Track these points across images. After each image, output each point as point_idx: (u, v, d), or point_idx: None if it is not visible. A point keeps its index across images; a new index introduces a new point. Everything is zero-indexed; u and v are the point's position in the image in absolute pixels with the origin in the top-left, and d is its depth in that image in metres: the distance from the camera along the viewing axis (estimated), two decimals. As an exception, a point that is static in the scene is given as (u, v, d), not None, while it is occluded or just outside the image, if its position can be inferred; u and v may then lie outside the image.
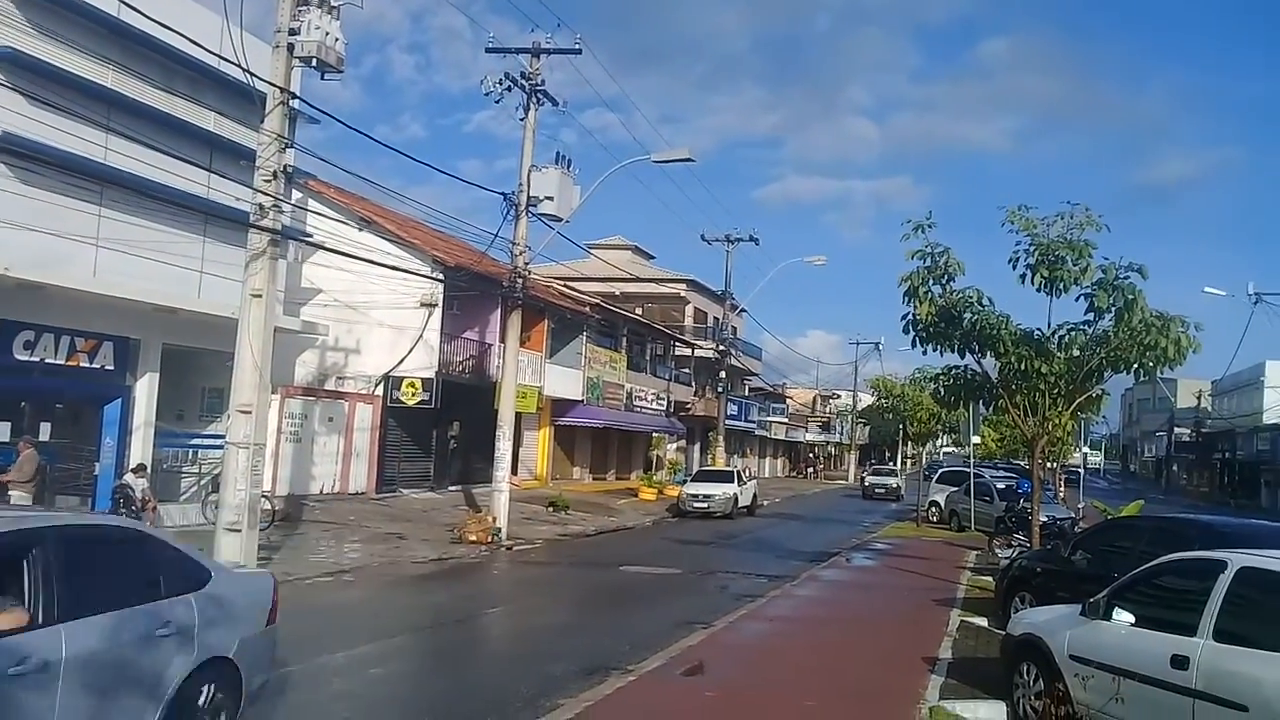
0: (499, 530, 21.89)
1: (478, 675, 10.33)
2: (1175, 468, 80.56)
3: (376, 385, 28.19)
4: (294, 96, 15.17)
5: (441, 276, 27.70)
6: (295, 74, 15.52)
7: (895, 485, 52.45)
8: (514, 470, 29.11)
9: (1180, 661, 6.69)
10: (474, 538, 21.17)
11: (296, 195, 23.35)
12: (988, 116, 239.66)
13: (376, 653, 10.86)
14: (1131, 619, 7.45)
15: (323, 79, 14.94)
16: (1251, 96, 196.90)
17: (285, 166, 14.94)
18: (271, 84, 14.43)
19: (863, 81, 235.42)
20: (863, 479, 58.69)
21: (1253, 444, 60.31)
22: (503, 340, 25.40)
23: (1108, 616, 7.64)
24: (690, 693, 9.32)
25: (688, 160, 25.32)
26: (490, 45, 23.11)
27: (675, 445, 52.59)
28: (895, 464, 69.71)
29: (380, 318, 27.83)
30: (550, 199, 22.98)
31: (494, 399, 24.51)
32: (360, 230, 26.64)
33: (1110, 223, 14.73)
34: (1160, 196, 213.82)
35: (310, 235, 22.44)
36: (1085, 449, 44.47)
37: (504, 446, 23.21)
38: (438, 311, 28.64)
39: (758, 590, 16.47)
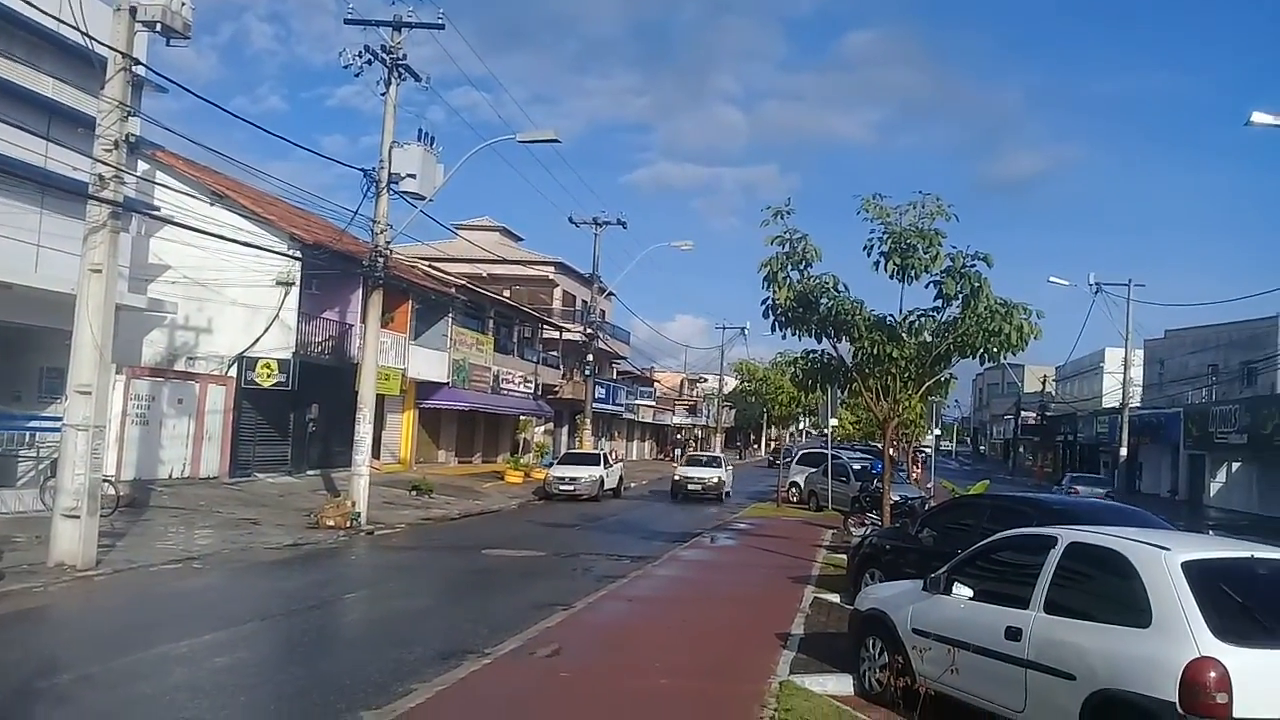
0: (358, 515, 21.44)
1: (329, 662, 10.08)
2: (1021, 449, 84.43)
3: (230, 366, 27.20)
4: (137, 62, 14.45)
5: (299, 254, 26.86)
6: (140, 39, 14.85)
7: (717, 481, 36.27)
8: (376, 454, 28.58)
9: (1013, 633, 6.99)
10: (332, 523, 20.67)
11: (143, 167, 22.33)
12: (852, 108, 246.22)
13: (223, 641, 10.50)
14: (970, 593, 7.75)
15: (168, 45, 14.40)
16: (1096, 96, 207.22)
17: (128, 135, 14.24)
18: (113, 49, 13.72)
19: (731, 70, 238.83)
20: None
21: (1092, 426, 63.54)
22: (364, 321, 24.82)
23: (948, 591, 7.91)
24: (545, 673, 9.30)
25: (554, 141, 25.16)
26: (350, 17, 22.47)
27: (543, 428, 52.46)
28: (749, 447, 69.85)
29: (234, 296, 26.85)
30: (413, 176, 22.55)
31: (355, 381, 23.97)
32: (212, 205, 25.51)
33: (965, 214, 15.34)
34: (1013, 189, 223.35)
35: (157, 209, 21.44)
36: (937, 431, 46.03)
37: (364, 429, 22.73)
38: (295, 290, 27.77)
39: (620, 571, 16.57)
